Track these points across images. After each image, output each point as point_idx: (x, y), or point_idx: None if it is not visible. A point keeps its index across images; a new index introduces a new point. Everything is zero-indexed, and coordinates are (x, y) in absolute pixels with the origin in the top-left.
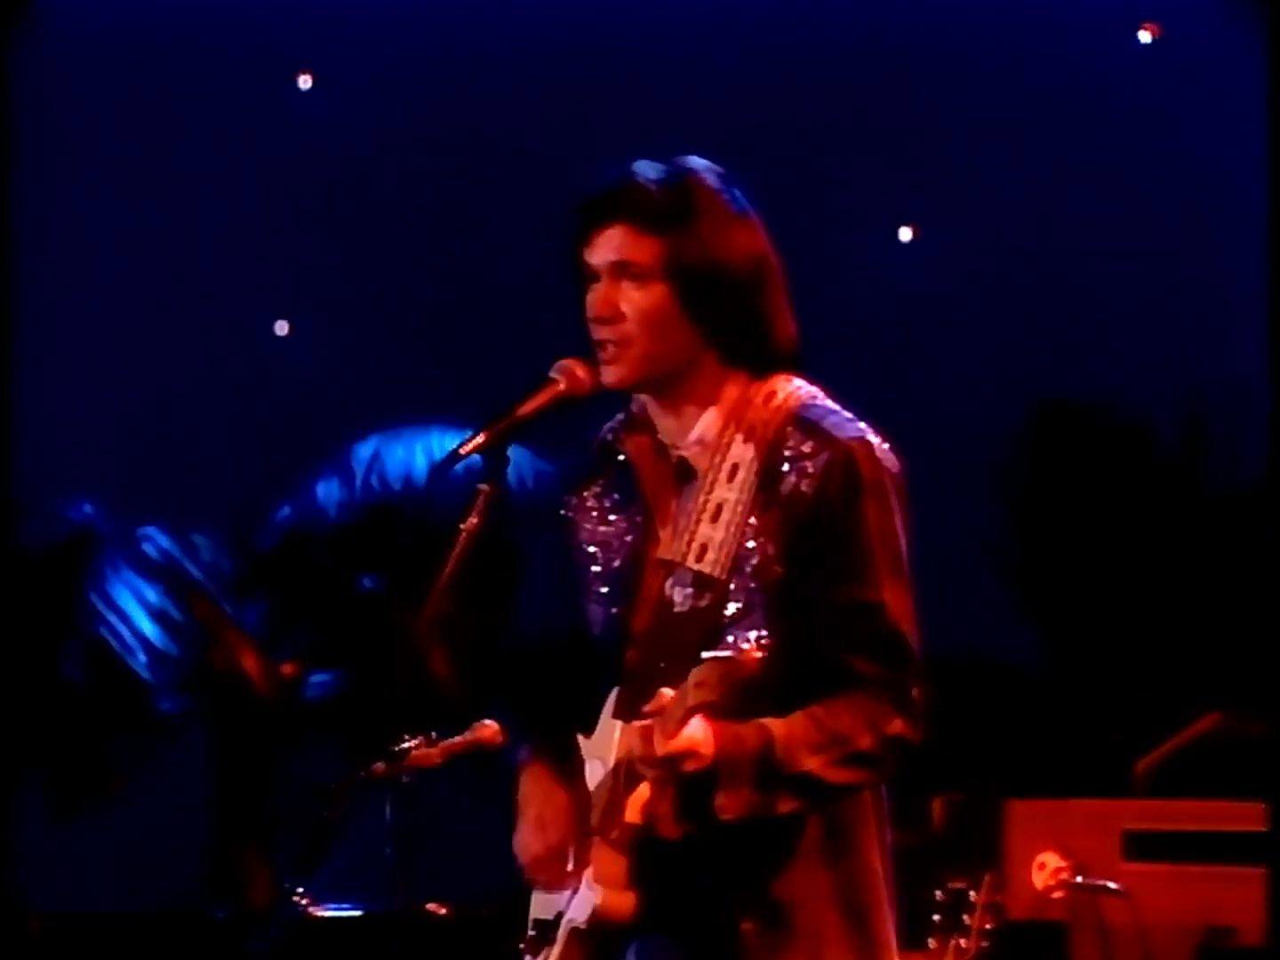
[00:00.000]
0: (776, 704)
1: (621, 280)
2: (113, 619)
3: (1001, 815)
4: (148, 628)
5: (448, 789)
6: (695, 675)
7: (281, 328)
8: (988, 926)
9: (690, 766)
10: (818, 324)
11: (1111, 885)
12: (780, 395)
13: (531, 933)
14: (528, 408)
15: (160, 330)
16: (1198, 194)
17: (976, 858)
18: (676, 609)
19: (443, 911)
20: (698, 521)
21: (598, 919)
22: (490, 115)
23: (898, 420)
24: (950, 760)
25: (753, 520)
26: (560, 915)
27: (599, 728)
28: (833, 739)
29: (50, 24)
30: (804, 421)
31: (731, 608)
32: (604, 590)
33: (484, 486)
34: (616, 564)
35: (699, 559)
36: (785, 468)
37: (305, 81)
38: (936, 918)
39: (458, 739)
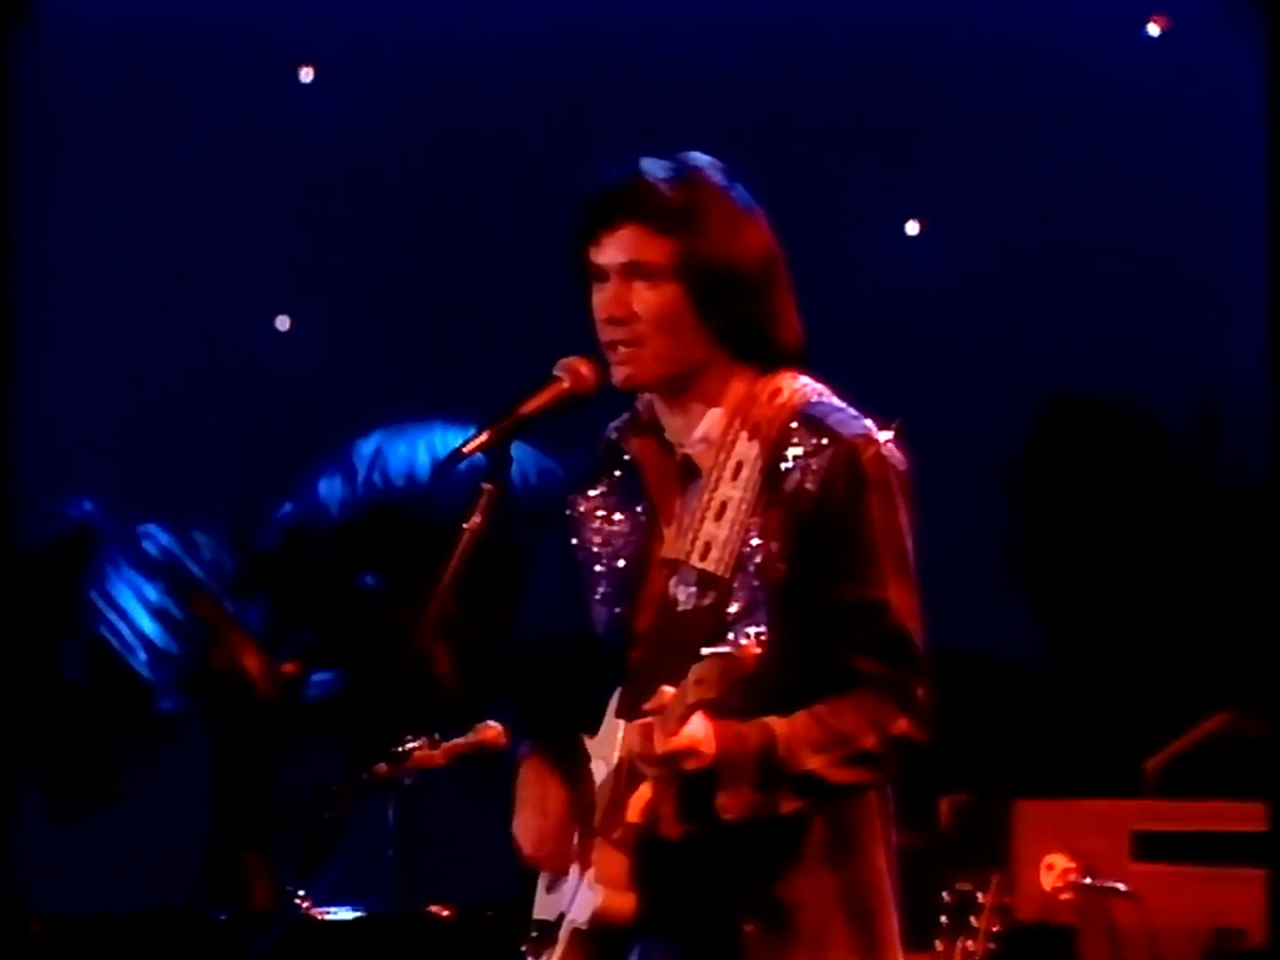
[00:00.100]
0: (781, 703)
1: (633, 280)
2: (113, 617)
3: (1009, 816)
4: (148, 626)
5: (450, 790)
6: (695, 672)
7: (283, 323)
8: (995, 928)
9: (691, 765)
10: (826, 320)
11: (1120, 886)
12: (785, 393)
13: (533, 934)
14: (531, 406)
15: (161, 328)
16: (1205, 191)
17: (984, 859)
18: (680, 608)
19: (445, 913)
20: (701, 520)
21: (599, 920)
22: (491, 112)
23: (905, 417)
24: (957, 760)
25: (756, 518)
26: (562, 916)
27: (603, 727)
28: (836, 738)
29: (50, 24)
30: (808, 418)
31: (735, 606)
32: (607, 589)
33: (487, 486)
34: (620, 563)
35: (703, 557)
36: (789, 465)
37: (307, 74)
38: (943, 919)
39: (460, 740)
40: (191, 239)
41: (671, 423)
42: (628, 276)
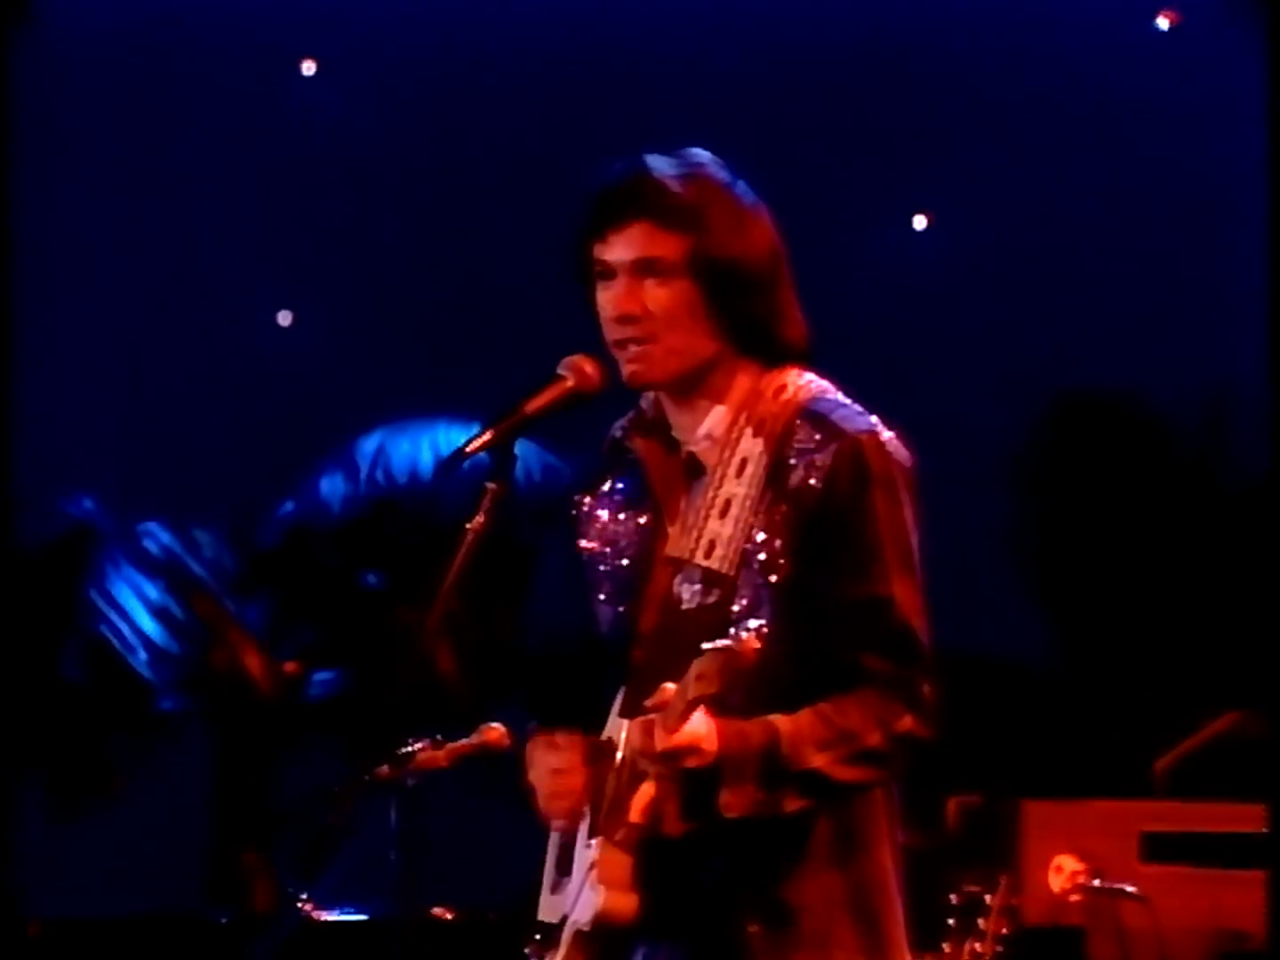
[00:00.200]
0: (785, 701)
1: (644, 278)
2: (113, 616)
3: (1017, 817)
4: (148, 625)
5: (454, 792)
6: (696, 667)
7: (285, 318)
8: (1003, 931)
9: (692, 763)
10: (832, 318)
11: (1129, 888)
12: (790, 389)
13: (536, 936)
14: (535, 405)
15: (161, 325)
16: (1210, 189)
17: (991, 860)
18: (684, 606)
19: (449, 916)
20: (706, 517)
21: (601, 921)
22: (492, 109)
23: (912, 413)
24: (965, 760)
25: (761, 515)
26: (565, 918)
27: (607, 727)
28: (841, 736)
29: (50, 24)
30: (813, 414)
31: (739, 604)
32: (611, 589)
33: (491, 485)
34: (624, 562)
35: (707, 555)
36: (793, 461)
37: (309, 67)
38: (950, 921)
39: (464, 742)
40: (192, 237)
41: (678, 420)
42: (638, 274)
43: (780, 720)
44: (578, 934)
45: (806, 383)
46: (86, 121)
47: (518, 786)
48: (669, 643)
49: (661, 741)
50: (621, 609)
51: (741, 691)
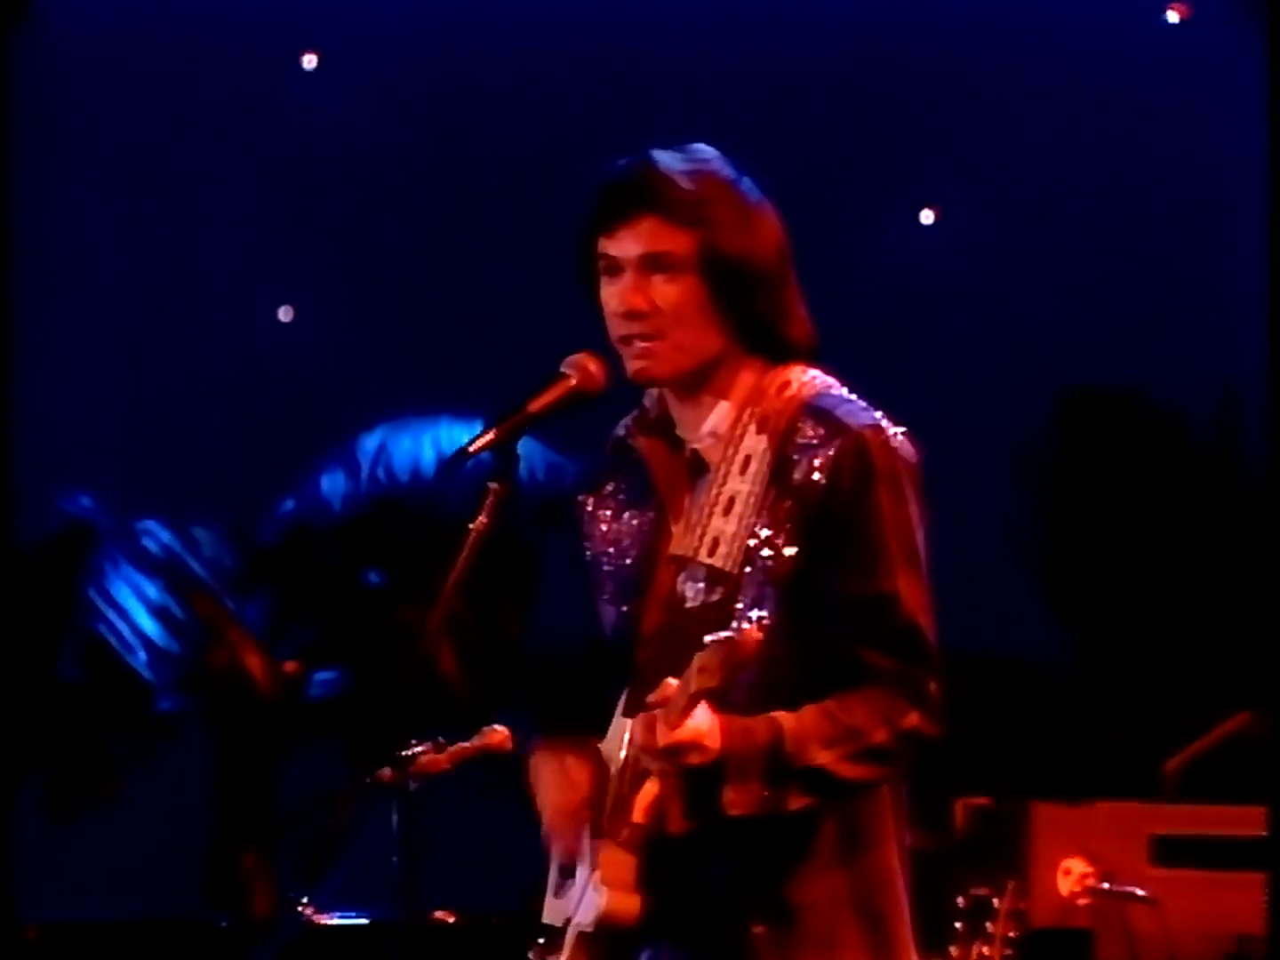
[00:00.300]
0: (790, 700)
1: (652, 273)
2: (111, 616)
3: (1025, 819)
4: (147, 625)
5: (456, 795)
6: (698, 660)
7: (286, 313)
8: (1011, 934)
9: (695, 759)
10: (841, 315)
11: (1139, 892)
12: (794, 385)
13: (540, 940)
14: (539, 404)
15: (160, 323)
16: (1217, 188)
17: (1000, 863)
18: (688, 604)
19: (451, 919)
20: (709, 515)
21: (604, 922)
22: (493, 107)
23: (918, 410)
24: (972, 762)
25: (765, 512)
26: (569, 921)
27: (611, 728)
28: (846, 733)
29: (50, 24)
30: (816, 410)
31: (743, 601)
32: (615, 589)
33: (494, 485)
34: (628, 562)
35: (711, 553)
36: (797, 457)
37: (310, 61)
38: (958, 925)
39: (466, 745)
40: (191, 235)
41: (682, 417)
42: (645, 269)
43: (784, 717)
44: (581, 935)
45: (810, 379)
46: (86, 121)
47: (521, 789)
48: (673, 642)
49: (664, 737)
50: (625, 609)
51: (745, 689)
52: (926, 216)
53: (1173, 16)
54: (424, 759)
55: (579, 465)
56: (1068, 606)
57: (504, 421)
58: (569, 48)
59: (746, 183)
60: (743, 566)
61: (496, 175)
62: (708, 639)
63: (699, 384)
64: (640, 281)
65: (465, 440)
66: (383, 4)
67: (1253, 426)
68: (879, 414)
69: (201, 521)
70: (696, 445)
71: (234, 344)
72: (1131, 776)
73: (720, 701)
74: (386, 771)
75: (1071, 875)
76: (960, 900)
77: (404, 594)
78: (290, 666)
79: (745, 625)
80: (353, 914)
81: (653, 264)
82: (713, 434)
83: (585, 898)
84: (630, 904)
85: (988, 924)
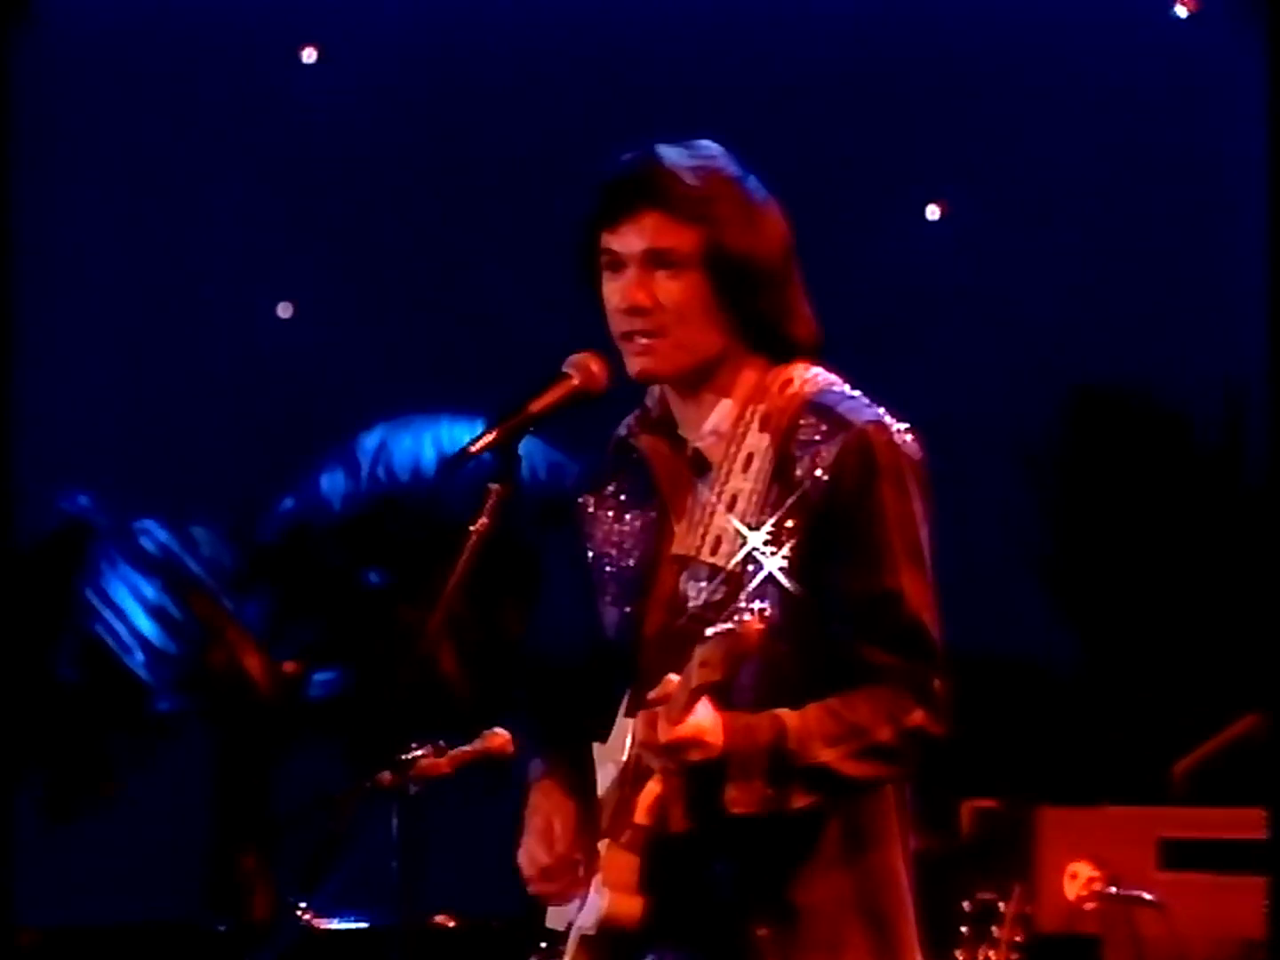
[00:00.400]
0: (794, 698)
1: (655, 269)
2: (109, 616)
3: (1032, 822)
4: (145, 625)
5: (456, 798)
6: (699, 655)
7: (285, 310)
8: (1017, 939)
9: (696, 756)
10: (842, 310)
11: (1146, 896)
12: (797, 382)
13: (542, 944)
14: (540, 404)
15: (159, 321)
16: (1236, 182)
17: (1006, 867)
18: (691, 604)
19: (451, 924)
20: (712, 514)
21: (606, 924)
22: (492, 106)
23: (924, 408)
24: (979, 764)
25: (768, 510)
26: (571, 925)
27: (614, 729)
28: (850, 730)
29: (50, 24)
30: (819, 407)
31: (746, 600)
32: (618, 590)
33: (495, 486)
34: (630, 563)
35: (713, 552)
36: (799, 454)
37: (309, 54)
38: (964, 929)
39: (467, 748)
40: (191, 235)
41: (683, 415)
42: (649, 265)
43: (787, 715)
44: (583, 938)
45: (813, 376)
46: (86, 121)
47: (521, 793)
48: (676, 642)
49: (665, 733)
50: (628, 610)
51: (749, 688)
52: (932, 212)
53: (1181, 10)
54: (424, 762)
55: (580, 465)
56: (1071, 606)
57: (505, 422)
58: (569, 48)
59: (752, 179)
60: (745, 565)
61: (496, 175)
62: (709, 632)
63: (701, 382)
64: (643, 277)
65: (466, 440)
66: (383, 3)
67: (1255, 425)
68: (882, 410)
69: (200, 521)
70: (698, 444)
71: (234, 343)
72: (1139, 780)
73: (723, 700)
74: (386, 775)
75: (1078, 879)
76: (966, 904)
77: (404, 594)
78: (290, 666)
79: (746, 617)
80: (352, 918)
81: (656, 260)
82: (715, 432)
83: (588, 900)
84: (633, 906)
85: (993, 928)
